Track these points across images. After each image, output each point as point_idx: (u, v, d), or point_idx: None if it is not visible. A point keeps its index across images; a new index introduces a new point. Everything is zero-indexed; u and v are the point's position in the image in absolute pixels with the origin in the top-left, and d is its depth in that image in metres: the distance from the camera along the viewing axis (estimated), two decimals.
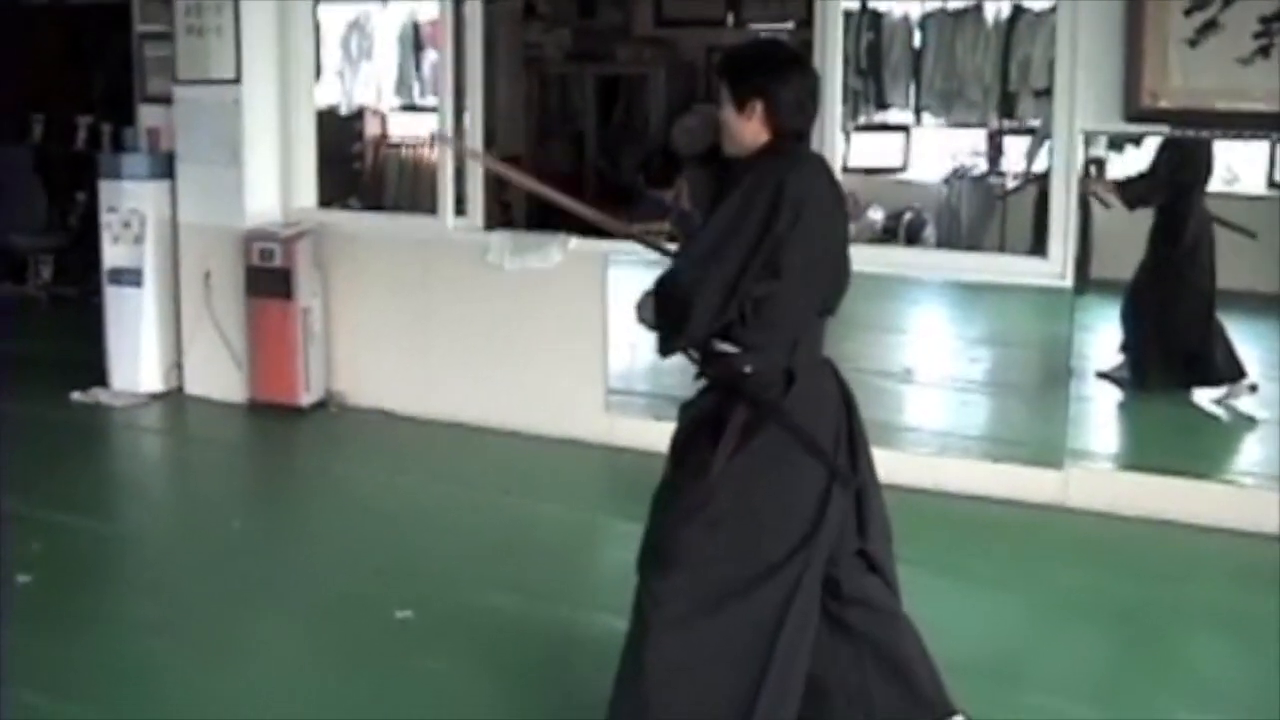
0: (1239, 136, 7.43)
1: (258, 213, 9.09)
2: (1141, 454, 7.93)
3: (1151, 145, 8.13)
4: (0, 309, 12.26)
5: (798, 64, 4.29)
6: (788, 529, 4.19)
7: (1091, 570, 6.47)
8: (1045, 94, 8.10)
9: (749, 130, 4.18)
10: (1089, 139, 7.20)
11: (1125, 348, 8.58)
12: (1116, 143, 8.32)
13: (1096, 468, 7.35)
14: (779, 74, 4.19)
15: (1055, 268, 7.12)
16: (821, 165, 4.34)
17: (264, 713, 5.09)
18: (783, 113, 4.17)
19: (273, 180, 9.23)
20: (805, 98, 4.23)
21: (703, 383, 4.32)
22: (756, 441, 4.13)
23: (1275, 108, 6.67)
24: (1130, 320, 8.62)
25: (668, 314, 4.10)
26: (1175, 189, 8.39)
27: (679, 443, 4.38)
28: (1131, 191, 8.38)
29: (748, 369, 4.13)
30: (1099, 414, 8.32)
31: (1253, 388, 8.28)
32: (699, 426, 4.27)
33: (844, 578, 4.34)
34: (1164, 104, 6.86)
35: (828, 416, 4.25)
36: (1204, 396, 8.42)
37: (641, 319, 4.20)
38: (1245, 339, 8.52)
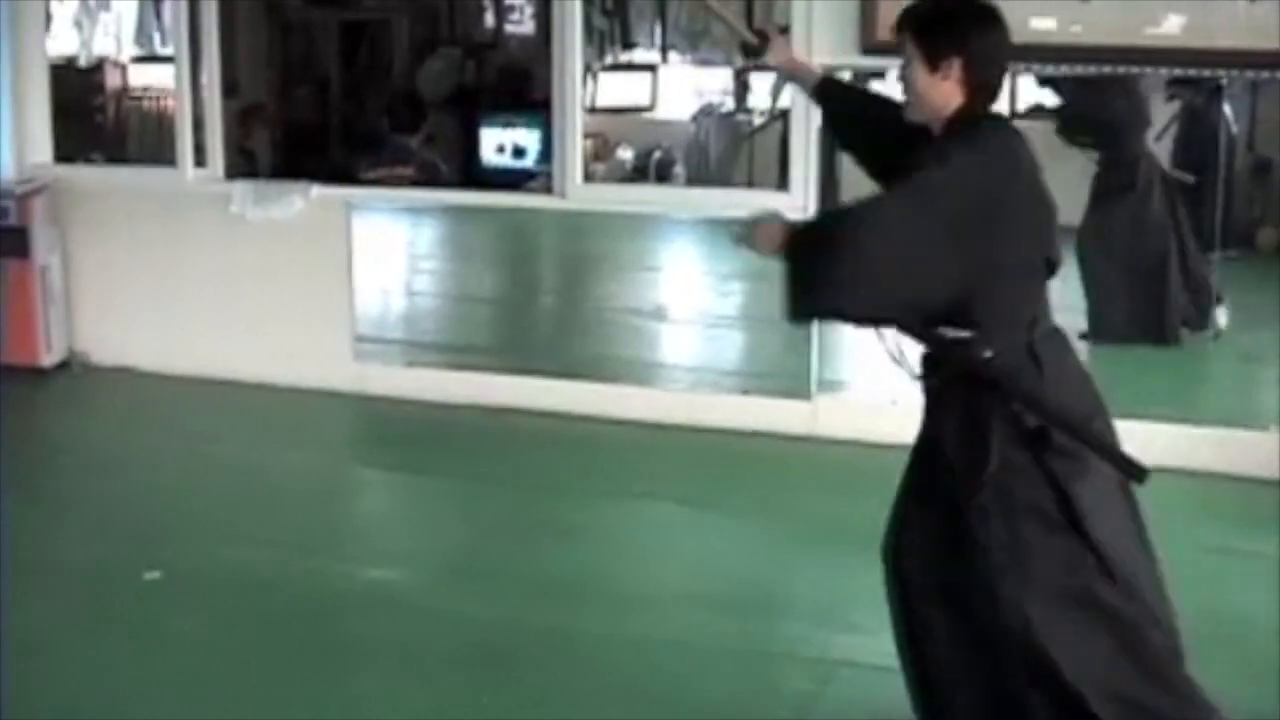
0: None
1: None
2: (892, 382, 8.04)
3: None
4: None
5: (992, 14, 3.85)
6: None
7: (842, 498, 6.53)
8: (788, 30, 8.16)
9: (943, 92, 3.76)
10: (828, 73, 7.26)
11: None
12: (860, 77, 8.41)
13: (844, 397, 7.45)
14: (976, 26, 3.78)
15: (797, 201, 7.18)
16: (1007, 123, 3.95)
17: (13, 684, 4.94)
18: (981, 69, 3.76)
19: (5, 136, 8.93)
20: (1004, 49, 3.85)
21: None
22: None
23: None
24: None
25: (820, 257, 3.62)
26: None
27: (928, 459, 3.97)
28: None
29: (988, 354, 3.71)
30: (846, 345, 8.42)
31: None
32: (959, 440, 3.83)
33: None
34: None
35: (1088, 394, 3.88)
36: None
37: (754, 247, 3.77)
38: None
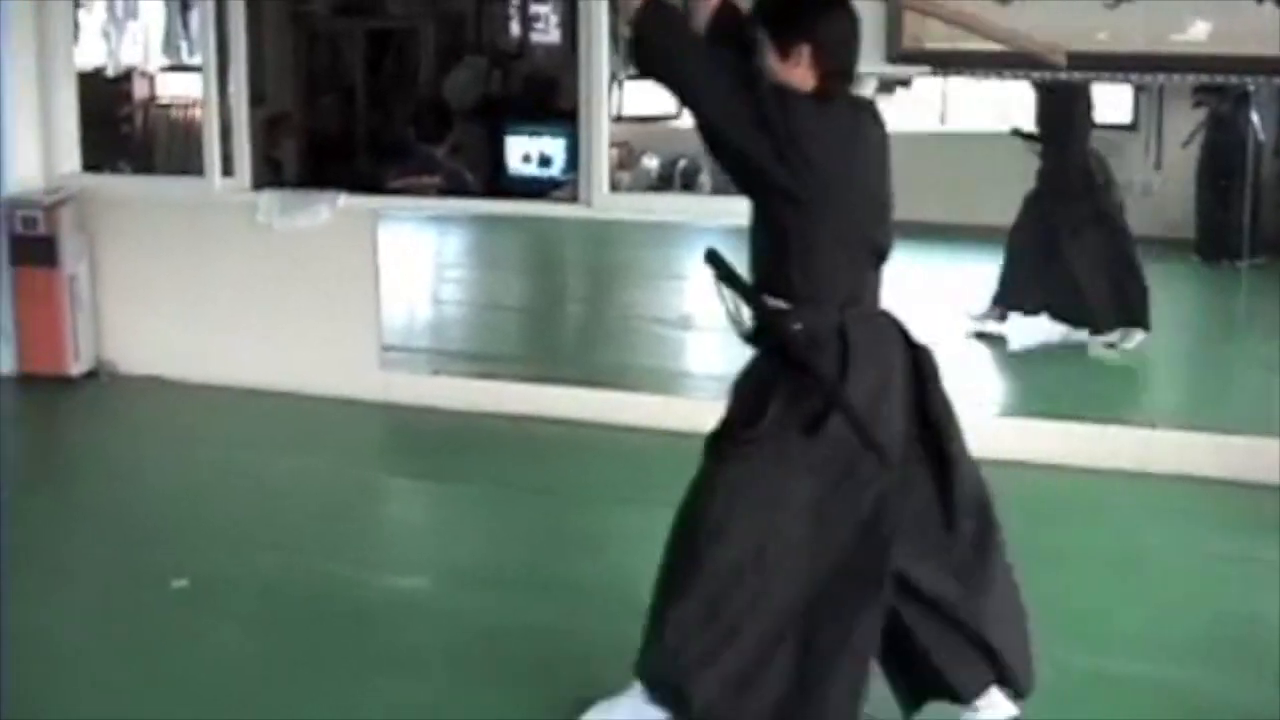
0: (1001, 76, 7.56)
1: (18, 180, 8.81)
2: None
3: (925, 86, 8.25)
4: None
5: (840, 1, 4.04)
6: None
7: None
8: None
9: (796, 77, 3.93)
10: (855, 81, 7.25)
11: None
12: (887, 85, 8.39)
13: None
14: (823, 14, 3.97)
15: None
16: (870, 110, 4.15)
17: (49, 697, 4.94)
18: (830, 54, 3.93)
19: (33, 146, 8.97)
20: (851, 35, 4.02)
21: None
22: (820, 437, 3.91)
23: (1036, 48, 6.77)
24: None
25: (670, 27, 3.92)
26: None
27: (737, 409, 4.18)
28: None
29: (798, 326, 3.93)
30: None
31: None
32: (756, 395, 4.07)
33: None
34: (927, 45, 6.93)
35: (889, 382, 4.01)
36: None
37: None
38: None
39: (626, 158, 9.22)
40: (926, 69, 7.16)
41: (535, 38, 11.17)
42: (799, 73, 3.92)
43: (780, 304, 3.96)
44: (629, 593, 5.56)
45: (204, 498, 6.88)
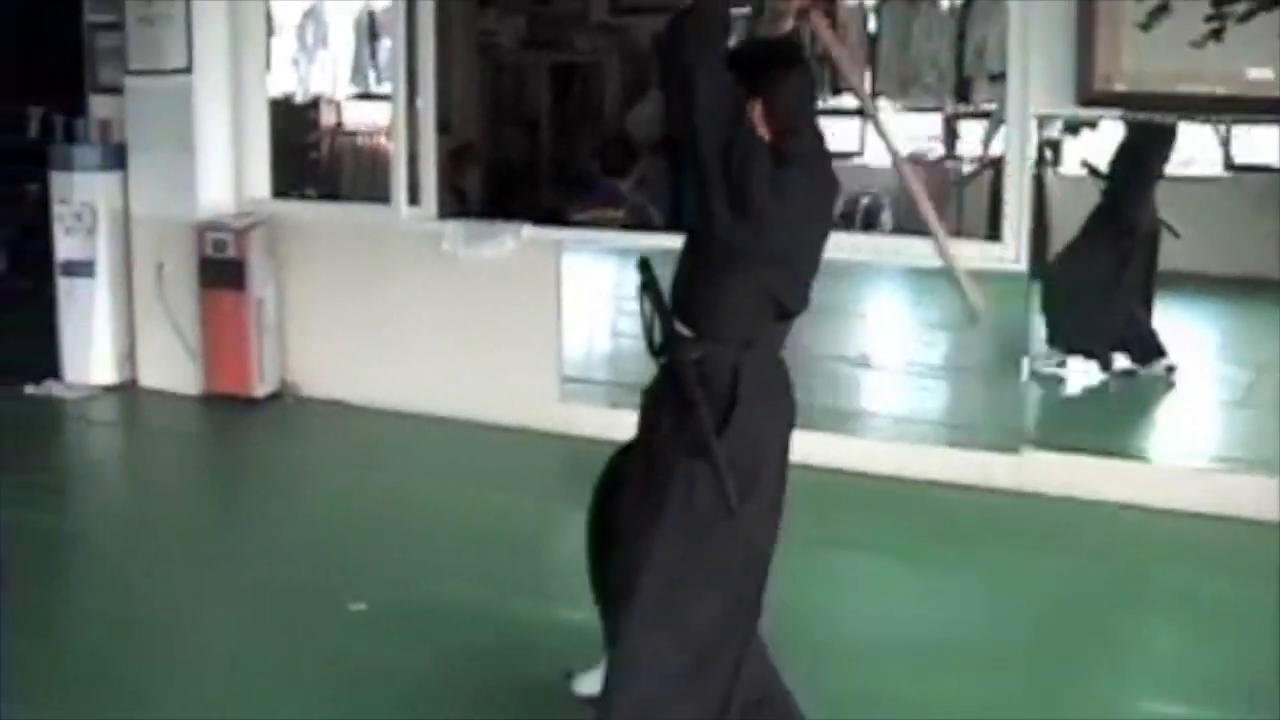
0: (1192, 119, 7.46)
1: (210, 203, 9.04)
2: (1096, 438, 7.93)
3: (1112, 127, 8.18)
4: None
5: (795, 60, 4.16)
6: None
7: (1047, 554, 6.48)
8: (1000, 78, 8.06)
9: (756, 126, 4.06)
10: (1043, 122, 7.19)
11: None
12: (1072, 126, 8.31)
13: (1052, 452, 7.34)
14: (777, 72, 4.08)
15: (1009, 252, 7.11)
16: (821, 172, 4.26)
17: (216, 708, 5.04)
18: (782, 110, 4.05)
19: (226, 171, 9.18)
20: (804, 94, 4.17)
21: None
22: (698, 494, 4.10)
23: (1227, 90, 6.66)
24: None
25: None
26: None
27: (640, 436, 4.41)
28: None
29: (695, 355, 4.07)
30: (1055, 398, 8.34)
31: (1170, 369, 8.49)
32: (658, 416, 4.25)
33: None
34: (1117, 87, 6.85)
35: (767, 426, 4.21)
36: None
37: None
38: (1195, 321, 8.70)
39: None
40: (1117, 111, 7.07)
41: None
42: (756, 123, 4.03)
43: (686, 331, 4.11)
44: (802, 635, 5.56)
45: (383, 522, 6.95)
